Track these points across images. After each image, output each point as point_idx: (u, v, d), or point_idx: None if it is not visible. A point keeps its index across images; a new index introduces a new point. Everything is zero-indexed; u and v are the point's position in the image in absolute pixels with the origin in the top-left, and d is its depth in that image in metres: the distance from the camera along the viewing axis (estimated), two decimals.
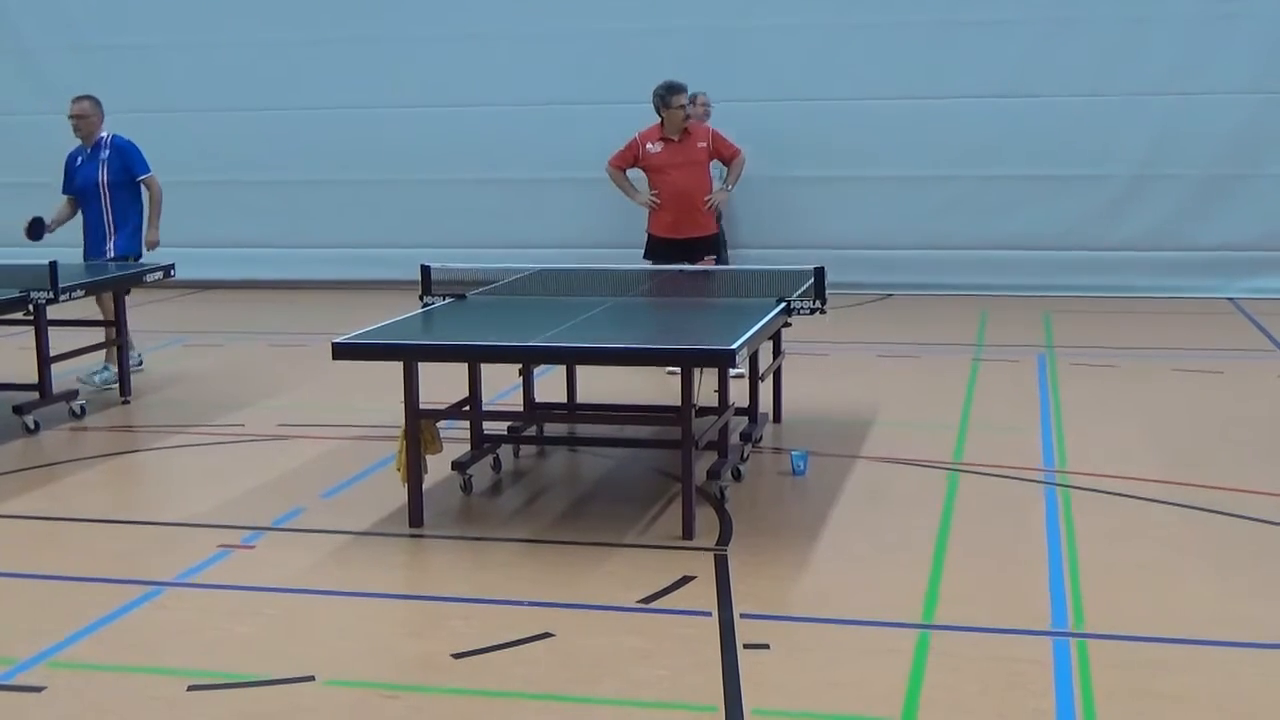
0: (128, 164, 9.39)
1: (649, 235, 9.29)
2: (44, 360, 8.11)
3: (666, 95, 9.03)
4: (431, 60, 13.77)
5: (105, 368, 9.02)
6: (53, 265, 7.81)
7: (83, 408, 8.31)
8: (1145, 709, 4.17)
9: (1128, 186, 12.71)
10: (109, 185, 9.34)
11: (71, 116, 9.43)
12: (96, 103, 9.50)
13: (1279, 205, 12.53)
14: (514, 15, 13.57)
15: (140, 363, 9.60)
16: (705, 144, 9.18)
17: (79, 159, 9.51)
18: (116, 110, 14.33)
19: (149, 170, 9.50)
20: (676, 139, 9.08)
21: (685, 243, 9.11)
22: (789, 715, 4.18)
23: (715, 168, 9.50)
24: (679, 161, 9.09)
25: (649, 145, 9.14)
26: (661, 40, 12.96)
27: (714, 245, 9.31)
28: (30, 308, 7.85)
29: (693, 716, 4.19)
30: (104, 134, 9.45)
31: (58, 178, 15.95)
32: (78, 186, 9.46)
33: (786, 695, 4.32)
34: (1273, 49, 12.35)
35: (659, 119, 9.10)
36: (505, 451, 7.15)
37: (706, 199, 9.15)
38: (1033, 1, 12.67)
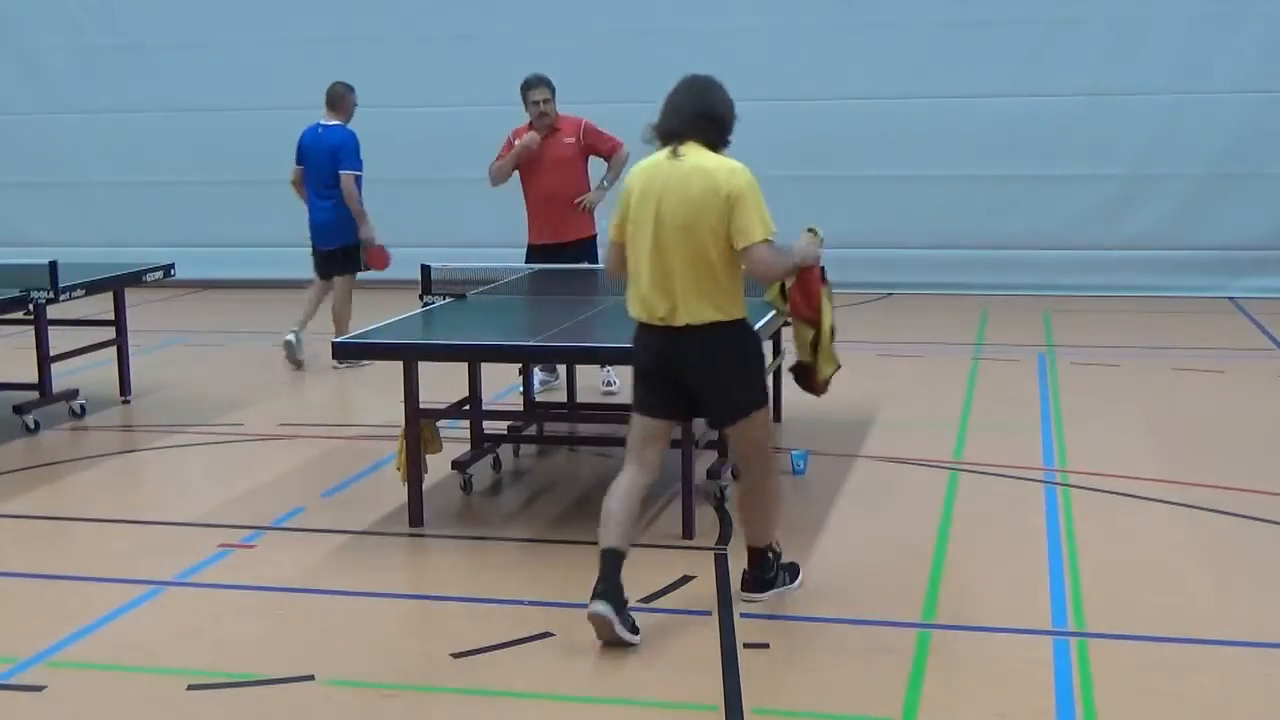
0: None
1: (527, 245, 8.62)
2: (44, 360, 8.11)
3: (522, 90, 8.38)
4: (431, 60, 13.76)
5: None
6: (53, 265, 7.81)
7: (83, 407, 8.30)
8: (1145, 708, 4.17)
9: (1128, 186, 12.70)
10: None
11: None
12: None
13: (1279, 205, 12.53)
14: (514, 15, 13.55)
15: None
16: (574, 139, 8.41)
17: None
18: (117, 110, 14.53)
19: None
20: (541, 136, 8.36)
21: (560, 248, 8.41)
22: (789, 715, 4.19)
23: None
24: (544, 159, 8.38)
25: (518, 142, 8.44)
26: (661, 40, 12.94)
27: (592, 250, 8.48)
28: (30, 307, 7.85)
29: (693, 716, 4.20)
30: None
31: (57, 177, 15.94)
32: None
33: (786, 695, 4.32)
34: (1273, 49, 12.35)
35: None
36: (505, 451, 7.15)
37: (578, 200, 8.42)
38: (1033, 1, 12.67)
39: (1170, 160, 12.59)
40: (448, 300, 7.20)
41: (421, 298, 7.24)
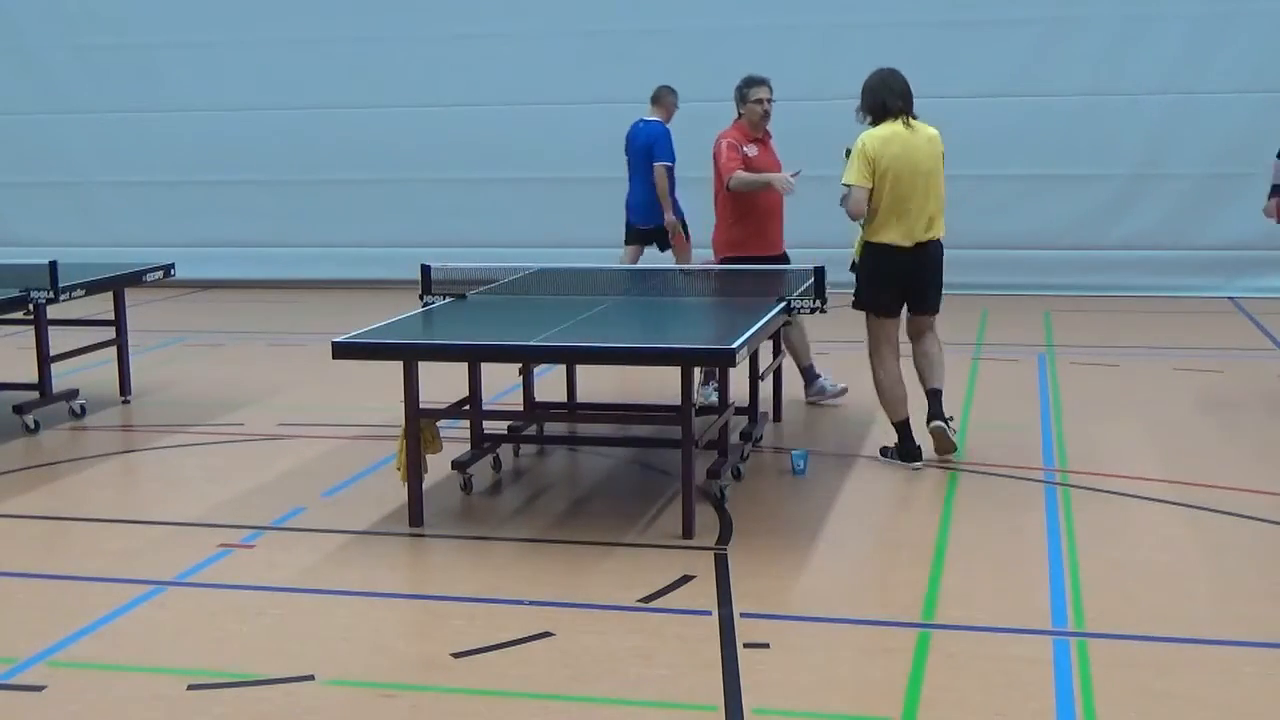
0: None
1: (731, 259, 7.91)
2: (44, 360, 8.11)
3: (745, 89, 7.89)
4: (431, 60, 13.77)
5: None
6: (53, 265, 7.81)
7: (83, 407, 8.30)
8: (1145, 709, 4.17)
9: (1128, 186, 12.71)
10: None
11: None
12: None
13: None
14: (514, 15, 13.57)
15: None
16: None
17: None
18: (116, 110, 14.54)
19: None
20: (762, 139, 8.01)
21: (765, 260, 7.92)
22: (789, 715, 4.18)
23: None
24: (773, 166, 8.01)
25: (746, 149, 7.89)
26: (660, 40, 12.96)
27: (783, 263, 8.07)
28: (30, 307, 7.85)
29: (693, 716, 4.19)
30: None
31: (57, 177, 15.92)
32: None
33: (786, 695, 4.32)
34: (1273, 49, 12.36)
35: (738, 116, 7.99)
36: (505, 451, 7.15)
37: None
38: (1033, 1, 12.68)
39: (1170, 160, 12.61)
40: (448, 300, 7.20)
41: (421, 297, 7.24)
